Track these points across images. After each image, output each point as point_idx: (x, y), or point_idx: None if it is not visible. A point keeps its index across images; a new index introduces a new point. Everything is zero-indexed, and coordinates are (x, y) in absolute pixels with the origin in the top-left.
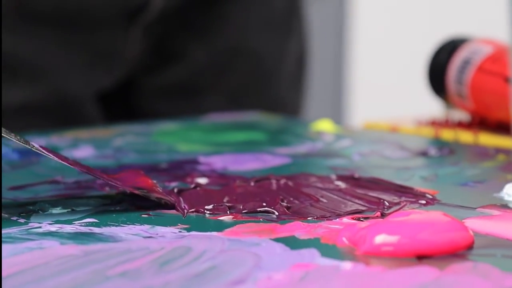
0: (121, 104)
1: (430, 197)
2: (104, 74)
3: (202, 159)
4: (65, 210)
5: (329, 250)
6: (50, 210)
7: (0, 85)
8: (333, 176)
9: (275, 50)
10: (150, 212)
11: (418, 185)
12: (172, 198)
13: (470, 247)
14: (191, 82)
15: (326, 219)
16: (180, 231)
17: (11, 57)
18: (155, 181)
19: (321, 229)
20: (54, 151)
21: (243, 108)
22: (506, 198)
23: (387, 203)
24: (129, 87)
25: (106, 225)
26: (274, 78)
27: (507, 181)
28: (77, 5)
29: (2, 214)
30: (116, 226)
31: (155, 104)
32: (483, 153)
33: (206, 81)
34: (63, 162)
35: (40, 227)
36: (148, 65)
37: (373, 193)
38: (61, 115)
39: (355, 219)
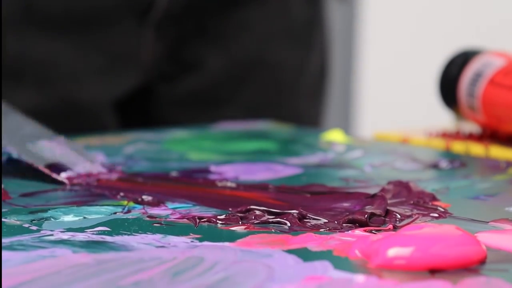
0: (138, 113)
1: (442, 210)
2: (119, 80)
3: (213, 168)
4: (77, 218)
5: (341, 263)
6: (62, 218)
7: (0, 88)
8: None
9: (295, 62)
10: (162, 222)
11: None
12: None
13: (483, 261)
14: (209, 92)
15: (338, 231)
16: (192, 241)
17: (19, 61)
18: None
19: (334, 241)
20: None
21: (260, 119)
22: None
23: (399, 216)
24: (146, 95)
25: (118, 233)
26: (294, 91)
27: None
28: (85, 6)
29: (14, 221)
30: (128, 235)
31: (172, 113)
32: (495, 166)
33: (224, 91)
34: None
35: (52, 234)
36: (165, 73)
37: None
38: (74, 123)
39: (367, 232)
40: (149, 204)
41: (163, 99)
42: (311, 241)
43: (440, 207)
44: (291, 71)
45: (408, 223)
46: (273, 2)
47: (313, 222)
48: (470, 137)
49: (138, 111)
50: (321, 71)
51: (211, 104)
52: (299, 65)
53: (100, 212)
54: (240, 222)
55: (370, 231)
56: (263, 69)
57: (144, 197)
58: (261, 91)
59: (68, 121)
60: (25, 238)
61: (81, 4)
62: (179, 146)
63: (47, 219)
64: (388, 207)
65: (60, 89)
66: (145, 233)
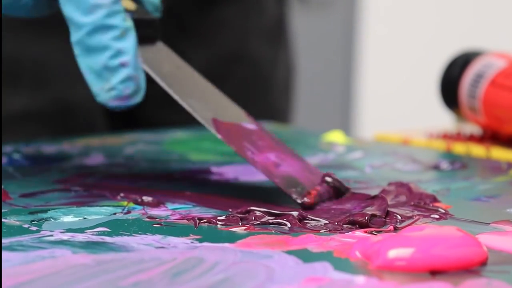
0: (125, 113)
1: (443, 211)
2: None
3: (214, 169)
4: (77, 219)
5: (342, 264)
6: (61, 218)
7: (0, 91)
8: None
9: (269, 57)
10: (162, 222)
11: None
12: None
13: (484, 263)
14: None
15: (339, 232)
16: (192, 242)
17: (14, 62)
18: None
19: (334, 242)
20: None
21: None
22: None
23: (399, 217)
24: None
25: (118, 234)
26: (269, 85)
27: None
28: None
29: (14, 221)
30: (128, 235)
31: (156, 113)
32: (496, 167)
33: None
34: None
35: (52, 235)
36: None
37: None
38: (67, 123)
39: (368, 233)
40: (149, 204)
41: (147, 99)
42: (311, 242)
43: (441, 208)
44: (266, 66)
45: (409, 225)
46: (248, 0)
47: (313, 223)
48: (471, 138)
49: (123, 112)
50: (289, 67)
51: None
52: (272, 60)
53: (100, 212)
54: (240, 223)
55: (371, 232)
56: (242, 65)
57: (144, 198)
58: (241, 87)
59: (61, 122)
60: (24, 238)
61: None
62: (179, 147)
63: (47, 219)
64: (388, 208)
65: (54, 90)
66: (145, 233)
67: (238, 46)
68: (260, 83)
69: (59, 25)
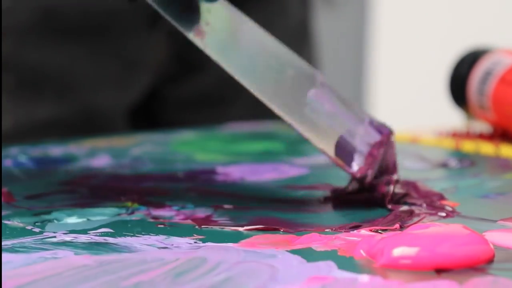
0: (146, 117)
1: (450, 209)
2: (132, 86)
3: (219, 169)
4: (81, 220)
5: (346, 263)
6: (65, 220)
7: (0, 91)
8: None
9: None
10: (166, 223)
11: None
12: None
13: (490, 261)
14: (215, 92)
15: (344, 231)
16: (195, 242)
17: (38, 71)
18: None
19: (339, 241)
20: None
21: (264, 118)
22: None
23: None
24: (153, 98)
25: (121, 235)
26: None
27: None
28: (101, 14)
29: (17, 223)
30: (131, 236)
31: (179, 115)
32: (505, 165)
33: (230, 91)
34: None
35: (54, 236)
36: (172, 75)
37: None
38: (90, 130)
39: (373, 231)
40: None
41: (170, 102)
42: (316, 241)
43: (448, 206)
44: None
45: (415, 223)
46: (272, 2)
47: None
48: (480, 136)
49: (145, 115)
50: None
51: (217, 104)
52: None
53: (104, 213)
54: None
55: (376, 231)
56: None
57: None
58: None
59: (84, 129)
60: (27, 240)
61: (96, 12)
62: (185, 147)
63: (50, 221)
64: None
65: (77, 97)
66: (148, 234)
67: None
68: None
69: (82, 32)
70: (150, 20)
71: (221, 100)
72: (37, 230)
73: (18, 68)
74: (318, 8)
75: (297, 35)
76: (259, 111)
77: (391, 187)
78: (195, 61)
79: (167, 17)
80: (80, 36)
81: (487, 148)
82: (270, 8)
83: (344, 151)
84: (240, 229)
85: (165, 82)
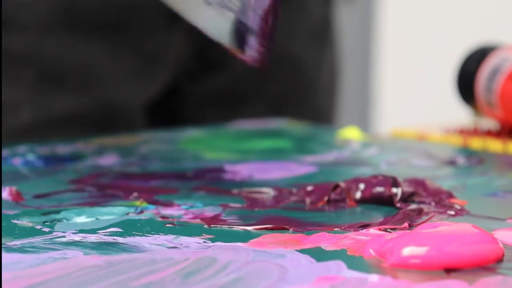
0: (164, 113)
1: (459, 207)
2: (151, 81)
3: (228, 167)
4: (90, 219)
5: (355, 262)
6: (74, 219)
7: (0, 85)
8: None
9: (314, 58)
10: (175, 222)
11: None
12: None
13: (500, 260)
14: (234, 89)
15: (353, 230)
16: (205, 241)
17: (58, 66)
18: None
19: (348, 240)
20: None
21: (283, 115)
22: None
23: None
24: (172, 95)
25: (130, 235)
26: (313, 86)
27: None
28: (120, 8)
29: (26, 223)
30: (141, 236)
31: (198, 112)
32: None
33: (249, 88)
34: None
35: (64, 236)
36: (192, 72)
37: None
38: (109, 125)
39: (382, 230)
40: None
41: (189, 98)
42: (325, 241)
43: (457, 204)
44: (311, 67)
45: (424, 221)
46: (293, 1)
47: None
48: (488, 133)
49: (164, 111)
50: (334, 68)
51: (236, 101)
52: (317, 62)
53: (112, 213)
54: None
55: (385, 230)
56: (286, 66)
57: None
58: (284, 88)
59: (103, 124)
60: (36, 240)
61: (116, 7)
62: (193, 145)
63: (59, 220)
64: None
65: (97, 92)
66: (157, 233)
67: (282, 47)
68: (304, 84)
69: (102, 27)
70: (169, 17)
71: (240, 97)
72: (46, 229)
73: (38, 62)
74: (339, 5)
75: (319, 33)
76: (277, 108)
77: (399, 189)
78: (215, 58)
79: None
80: (99, 31)
81: (495, 145)
82: (292, 7)
83: (238, 35)
84: (249, 228)
85: (184, 79)
